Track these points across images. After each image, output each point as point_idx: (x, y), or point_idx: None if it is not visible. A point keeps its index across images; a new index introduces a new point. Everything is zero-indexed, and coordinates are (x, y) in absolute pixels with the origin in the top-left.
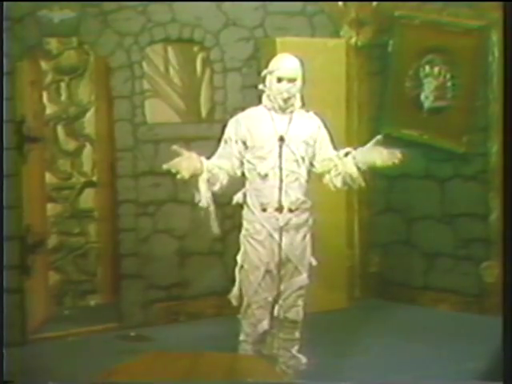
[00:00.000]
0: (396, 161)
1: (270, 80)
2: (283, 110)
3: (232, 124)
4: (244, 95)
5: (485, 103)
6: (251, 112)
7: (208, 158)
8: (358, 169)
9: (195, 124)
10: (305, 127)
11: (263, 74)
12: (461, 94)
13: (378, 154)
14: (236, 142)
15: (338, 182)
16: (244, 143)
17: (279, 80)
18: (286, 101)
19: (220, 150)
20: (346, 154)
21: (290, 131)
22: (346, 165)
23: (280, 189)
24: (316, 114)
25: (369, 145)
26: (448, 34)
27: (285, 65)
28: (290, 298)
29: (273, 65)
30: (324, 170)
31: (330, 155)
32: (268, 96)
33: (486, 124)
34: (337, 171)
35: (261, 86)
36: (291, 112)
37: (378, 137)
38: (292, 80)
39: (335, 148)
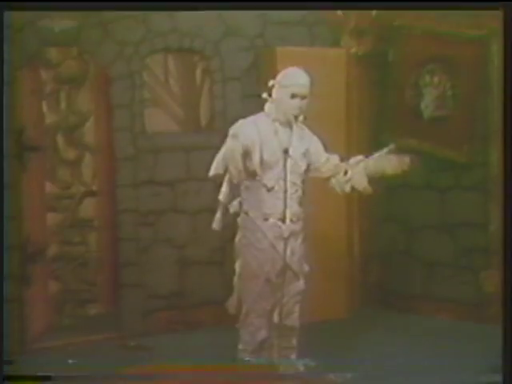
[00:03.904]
0: (406, 167)
1: (281, 93)
2: (289, 124)
3: (242, 124)
4: (244, 105)
5: (485, 112)
6: (257, 120)
7: (208, 166)
8: (368, 177)
9: (195, 133)
10: (302, 138)
11: (270, 84)
12: (461, 104)
13: (387, 162)
14: (241, 151)
15: (347, 187)
16: (248, 153)
17: (293, 96)
18: (296, 117)
19: (227, 154)
20: (358, 162)
21: (292, 143)
22: (358, 173)
23: (284, 200)
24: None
25: (381, 152)
26: (448, 43)
27: (300, 82)
28: (287, 304)
29: (286, 79)
30: (331, 174)
31: (336, 161)
32: (277, 108)
33: (487, 133)
34: (346, 177)
35: (264, 95)
36: (291, 125)
37: (391, 146)
38: (304, 97)
39: (325, 149)
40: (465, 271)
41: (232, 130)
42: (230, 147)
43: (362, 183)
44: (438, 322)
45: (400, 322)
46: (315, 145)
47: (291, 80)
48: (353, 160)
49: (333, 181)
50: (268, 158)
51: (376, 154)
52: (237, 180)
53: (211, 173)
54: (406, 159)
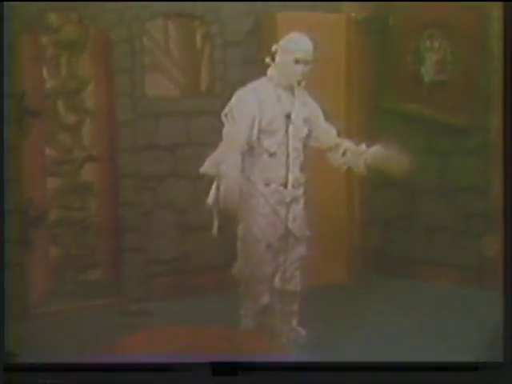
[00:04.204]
0: (404, 167)
1: (285, 58)
2: (292, 89)
3: (240, 99)
4: (244, 69)
5: (485, 77)
6: (259, 87)
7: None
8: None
9: (195, 98)
10: (305, 104)
11: (273, 48)
12: (461, 68)
13: (386, 159)
14: (252, 113)
15: (343, 166)
16: (253, 119)
17: (297, 61)
18: (299, 82)
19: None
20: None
21: (294, 109)
22: (356, 157)
23: (286, 166)
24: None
25: (383, 147)
26: (448, 8)
27: (304, 47)
28: (289, 269)
29: (290, 44)
30: (328, 148)
31: (334, 135)
32: (280, 73)
33: (487, 98)
34: (343, 158)
35: (267, 60)
36: (293, 89)
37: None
38: (308, 63)
39: (326, 115)
40: (465, 236)
41: (228, 108)
42: (228, 133)
43: (358, 166)
44: (439, 287)
45: (400, 286)
46: (316, 113)
47: (295, 45)
48: (354, 147)
49: (329, 154)
50: (270, 123)
51: (374, 148)
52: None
53: (202, 170)
54: (405, 160)
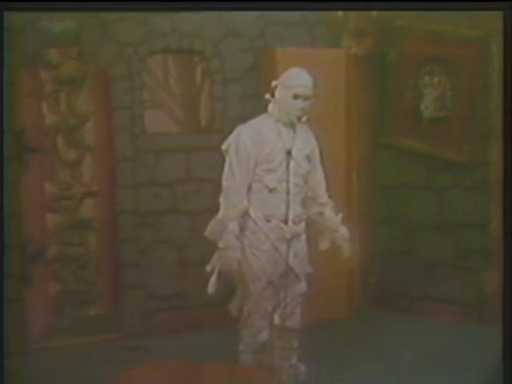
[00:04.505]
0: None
1: (284, 94)
2: (293, 125)
3: (237, 140)
4: (244, 105)
5: (485, 113)
6: (259, 124)
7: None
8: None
9: (195, 134)
10: (307, 141)
11: (273, 84)
12: (461, 104)
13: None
14: (252, 157)
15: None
16: (253, 157)
17: (295, 97)
18: (299, 118)
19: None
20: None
21: (295, 145)
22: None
23: (287, 202)
24: (309, 126)
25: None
26: (448, 44)
27: (303, 82)
28: (289, 306)
29: (289, 79)
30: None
31: (323, 194)
32: (279, 109)
33: (486, 134)
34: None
35: (267, 96)
36: (294, 126)
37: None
38: (307, 98)
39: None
40: (464, 272)
41: (227, 144)
42: (227, 184)
43: (323, 238)
44: (438, 322)
45: (400, 322)
46: (315, 155)
47: (294, 80)
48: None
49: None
50: (270, 160)
51: (343, 231)
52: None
53: (206, 233)
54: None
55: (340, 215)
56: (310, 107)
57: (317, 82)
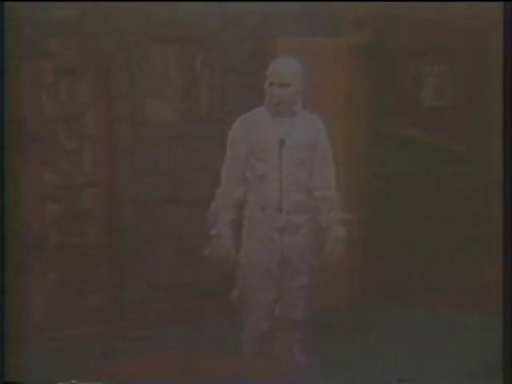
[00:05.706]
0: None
1: (266, 83)
2: (278, 114)
3: (232, 131)
4: (244, 95)
5: (485, 103)
6: (253, 114)
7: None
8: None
9: (195, 123)
10: (308, 130)
11: (267, 74)
12: (461, 94)
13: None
14: (242, 147)
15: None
16: (248, 146)
17: (271, 84)
18: (277, 105)
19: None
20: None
21: (291, 134)
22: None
23: (279, 190)
24: (319, 117)
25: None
26: (448, 33)
27: (277, 69)
28: (290, 298)
29: (270, 68)
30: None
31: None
32: (266, 98)
33: (487, 123)
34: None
35: (265, 86)
36: (293, 115)
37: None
38: (283, 85)
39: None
40: (464, 261)
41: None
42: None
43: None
44: (438, 312)
45: (400, 312)
46: (324, 146)
47: (271, 69)
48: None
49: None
50: (262, 149)
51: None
52: None
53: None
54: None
55: (339, 214)
56: (292, 95)
57: (307, 69)
